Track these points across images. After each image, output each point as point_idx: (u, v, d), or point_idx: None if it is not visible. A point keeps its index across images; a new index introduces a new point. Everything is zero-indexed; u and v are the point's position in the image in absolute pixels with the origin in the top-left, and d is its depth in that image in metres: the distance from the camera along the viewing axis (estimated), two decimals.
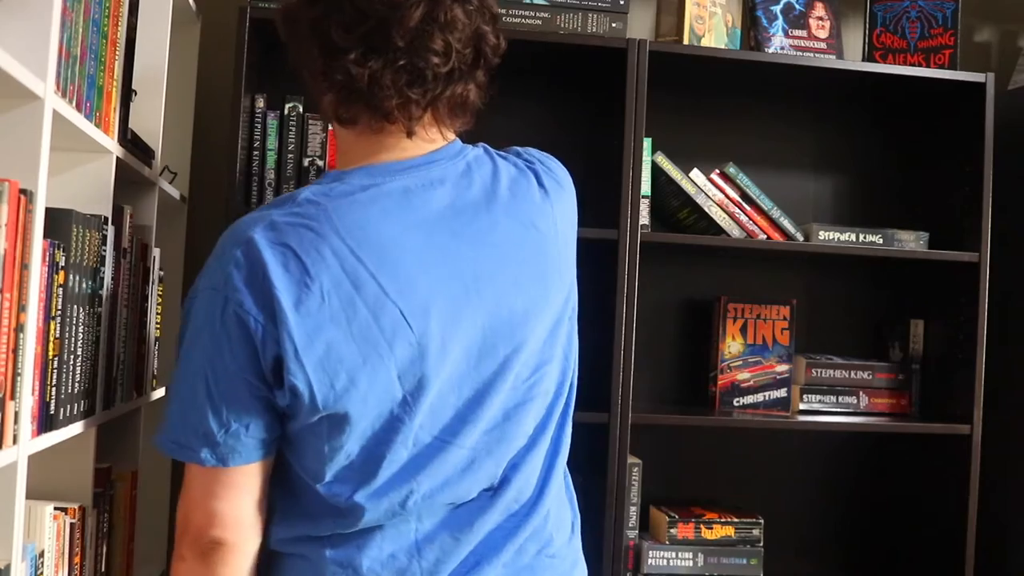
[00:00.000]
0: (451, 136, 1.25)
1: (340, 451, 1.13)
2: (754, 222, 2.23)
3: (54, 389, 1.38)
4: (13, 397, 1.22)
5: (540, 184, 1.23)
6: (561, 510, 1.28)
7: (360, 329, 1.09)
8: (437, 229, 1.15)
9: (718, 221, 2.21)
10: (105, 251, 1.58)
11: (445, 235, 1.15)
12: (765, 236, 2.23)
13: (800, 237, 2.25)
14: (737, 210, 2.22)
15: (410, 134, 1.18)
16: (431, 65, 1.14)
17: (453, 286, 1.14)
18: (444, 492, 1.16)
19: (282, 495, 1.19)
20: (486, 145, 1.27)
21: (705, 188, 2.23)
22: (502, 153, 1.27)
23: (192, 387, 1.13)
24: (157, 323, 2.04)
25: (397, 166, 1.18)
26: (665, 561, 2.23)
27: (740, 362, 2.34)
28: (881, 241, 2.25)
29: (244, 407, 1.11)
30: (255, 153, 2.09)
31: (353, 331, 1.09)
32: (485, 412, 1.16)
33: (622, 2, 2.20)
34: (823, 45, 2.34)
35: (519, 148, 1.29)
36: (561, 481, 1.29)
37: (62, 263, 1.38)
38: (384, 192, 1.15)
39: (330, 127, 1.20)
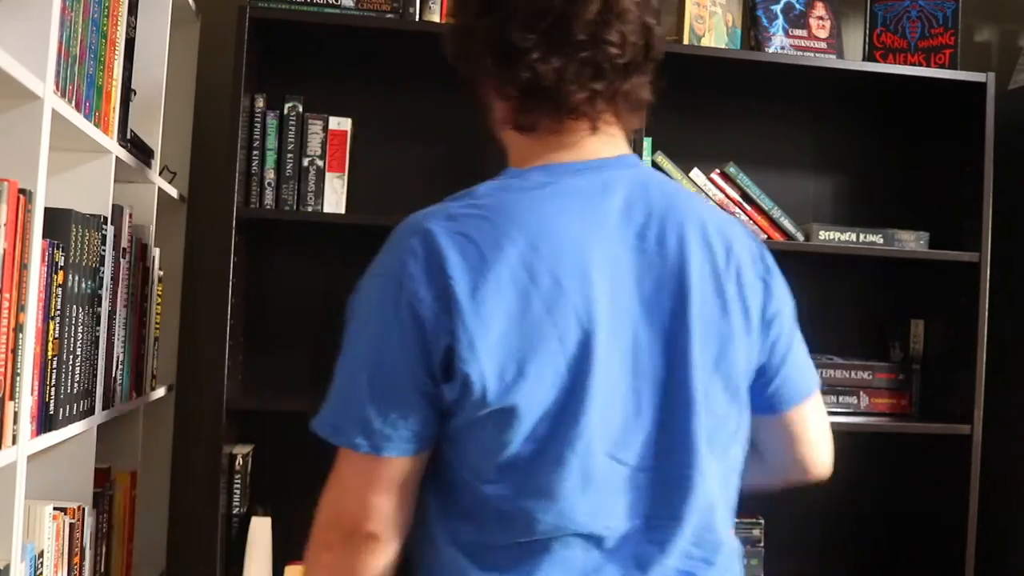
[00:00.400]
0: (625, 137, 1.24)
1: (507, 447, 1.08)
2: (754, 222, 2.23)
3: (53, 389, 1.38)
4: (12, 397, 1.22)
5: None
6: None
7: (533, 322, 1.07)
8: (610, 233, 1.13)
9: None
10: (104, 251, 1.57)
11: (616, 242, 1.13)
12: (765, 236, 2.23)
13: (800, 237, 2.25)
14: (737, 210, 2.22)
15: (594, 129, 1.18)
16: (610, 57, 1.14)
17: (619, 291, 1.11)
18: (610, 513, 1.11)
19: (440, 495, 1.14)
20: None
21: (705, 188, 2.23)
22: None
23: (355, 373, 1.12)
24: (157, 323, 2.04)
25: (574, 166, 1.17)
26: None
27: None
28: (881, 241, 2.25)
29: (405, 398, 1.09)
30: (255, 153, 2.09)
31: (525, 324, 1.07)
32: (648, 430, 1.12)
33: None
34: (823, 45, 2.34)
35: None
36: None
37: (61, 263, 1.38)
38: (561, 190, 1.14)
39: (501, 134, 1.19)
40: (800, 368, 1.28)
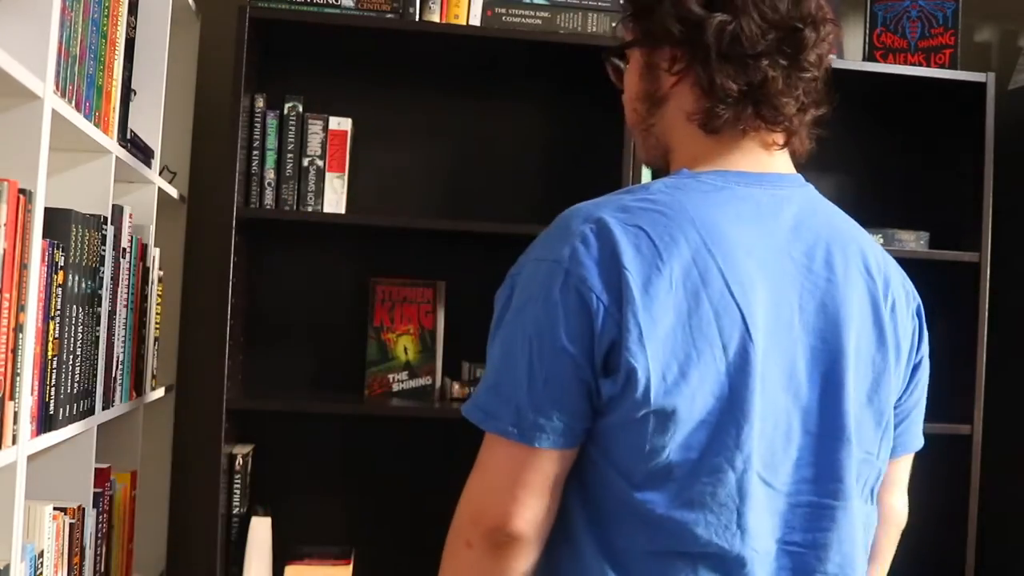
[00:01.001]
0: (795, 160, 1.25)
1: (662, 452, 1.04)
2: None
3: (53, 389, 1.38)
4: (12, 397, 1.22)
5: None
6: None
7: (700, 324, 1.05)
8: (780, 248, 1.12)
9: None
10: (104, 251, 1.57)
11: (785, 258, 1.12)
12: None
13: None
14: None
15: (784, 144, 1.19)
16: (815, 78, 1.16)
17: (782, 308, 1.10)
18: (759, 535, 1.08)
19: (584, 499, 1.10)
20: None
21: None
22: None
23: (513, 356, 1.06)
24: (157, 323, 2.04)
25: (751, 176, 1.16)
26: None
27: None
28: (881, 241, 2.25)
29: (563, 387, 1.05)
30: (255, 153, 2.09)
31: (693, 324, 1.05)
32: (797, 455, 1.10)
33: (622, 2, 2.19)
34: None
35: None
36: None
37: (61, 263, 1.38)
38: (738, 196, 1.13)
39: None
40: (921, 417, 1.28)
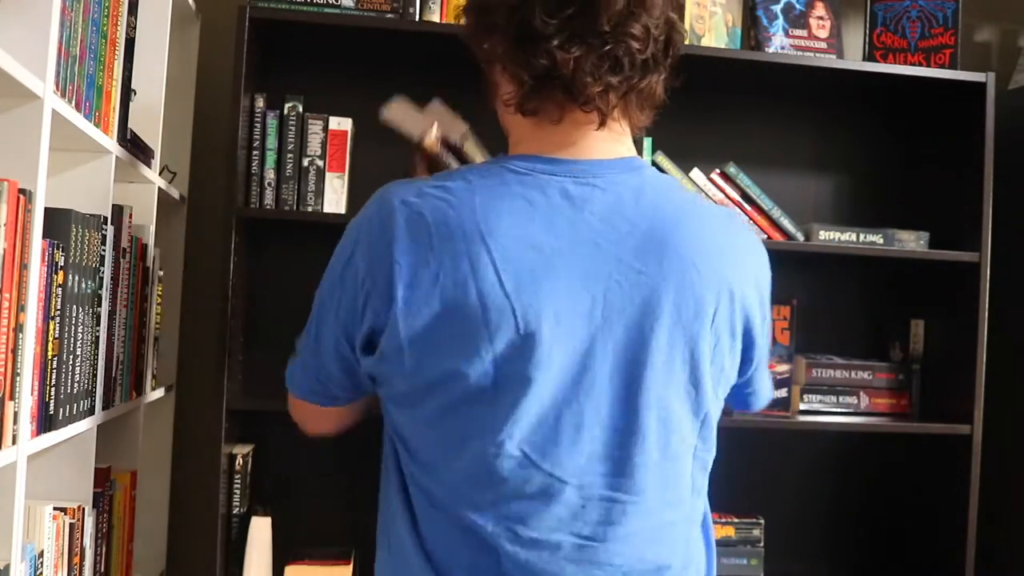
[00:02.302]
0: (629, 143, 1.21)
1: (428, 431, 1.13)
2: (754, 222, 2.23)
3: (53, 389, 1.38)
4: (12, 397, 1.22)
5: (725, 235, 1.18)
6: None
7: (466, 315, 1.07)
8: (584, 238, 1.10)
9: None
10: (104, 251, 1.57)
11: (589, 248, 1.10)
12: (765, 236, 2.23)
13: (800, 237, 2.25)
14: (737, 210, 2.22)
15: (602, 124, 1.15)
16: (631, 51, 1.12)
17: (579, 300, 1.09)
18: (548, 529, 1.12)
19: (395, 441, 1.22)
20: (671, 175, 1.25)
21: (705, 188, 2.23)
22: (690, 191, 1.23)
23: (309, 325, 1.22)
24: (157, 323, 2.04)
25: (563, 164, 1.14)
26: None
27: None
28: (881, 241, 2.25)
29: (331, 359, 1.19)
30: (255, 153, 2.09)
31: (457, 316, 1.07)
32: (589, 447, 1.11)
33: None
34: (823, 45, 2.34)
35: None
36: None
37: (61, 263, 1.38)
38: (539, 184, 1.12)
39: (504, 119, 1.23)
40: (761, 384, 1.31)
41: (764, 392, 1.32)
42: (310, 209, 2.11)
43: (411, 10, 2.11)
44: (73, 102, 1.44)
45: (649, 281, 1.10)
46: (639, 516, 1.12)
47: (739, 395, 1.29)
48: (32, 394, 1.30)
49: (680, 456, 1.15)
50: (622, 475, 1.11)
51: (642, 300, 1.10)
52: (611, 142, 1.18)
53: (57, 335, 1.38)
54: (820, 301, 2.49)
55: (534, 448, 1.09)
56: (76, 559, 1.54)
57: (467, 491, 1.11)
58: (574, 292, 1.09)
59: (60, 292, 1.38)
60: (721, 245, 1.16)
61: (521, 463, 1.09)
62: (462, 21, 1.23)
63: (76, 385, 1.48)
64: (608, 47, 1.11)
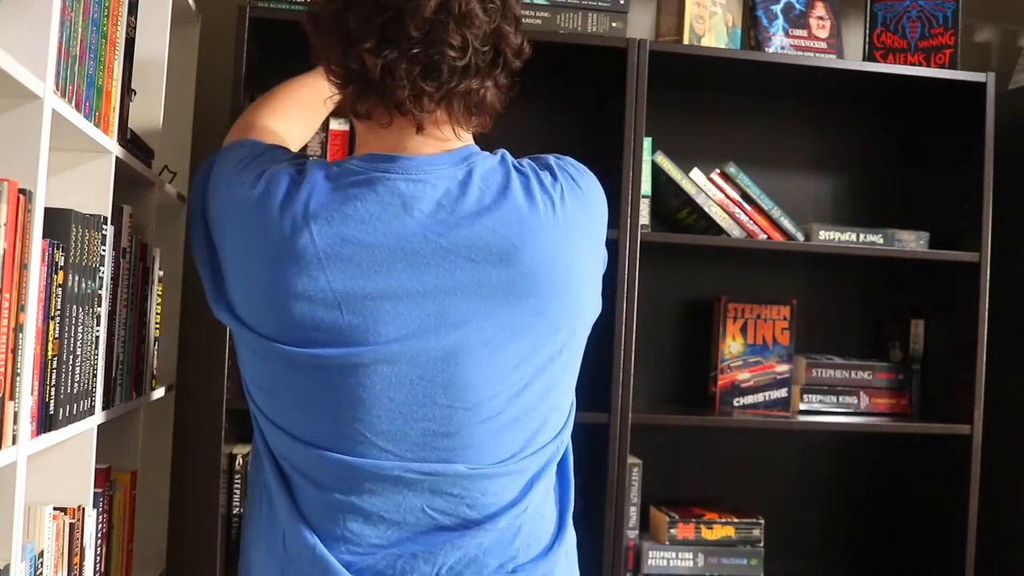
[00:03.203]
0: (466, 138, 1.25)
1: (276, 418, 1.24)
2: (754, 222, 2.23)
3: (53, 389, 1.38)
4: (12, 397, 1.22)
5: (552, 203, 1.21)
6: None
7: (292, 310, 1.16)
8: (411, 231, 1.16)
9: (718, 221, 2.21)
10: (104, 251, 1.57)
11: (417, 239, 1.16)
12: (765, 236, 2.23)
13: (800, 237, 2.25)
14: (737, 210, 2.22)
15: (419, 128, 1.19)
16: (447, 58, 1.15)
17: (412, 291, 1.16)
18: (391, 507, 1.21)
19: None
20: (506, 152, 1.25)
21: (705, 188, 2.23)
22: (523, 163, 1.24)
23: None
24: (157, 323, 2.04)
25: (397, 162, 1.19)
26: (665, 561, 2.22)
27: (740, 362, 2.34)
28: (881, 241, 2.25)
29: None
30: None
31: (287, 310, 1.16)
32: (425, 425, 1.18)
33: (622, 2, 2.19)
34: (823, 45, 2.34)
35: (552, 158, 1.28)
36: None
37: (61, 263, 1.38)
38: (372, 183, 1.18)
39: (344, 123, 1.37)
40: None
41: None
42: None
43: None
44: (73, 102, 1.43)
45: (480, 267, 1.16)
46: (481, 491, 1.20)
47: None
48: (32, 394, 1.30)
49: (527, 424, 1.21)
50: (461, 449, 1.19)
51: (474, 285, 1.16)
52: (437, 145, 1.23)
53: (57, 335, 1.38)
54: (820, 301, 2.49)
55: (370, 428, 1.17)
56: (76, 559, 1.54)
57: (310, 439, 1.20)
58: (403, 284, 1.16)
59: (60, 292, 1.38)
60: (549, 218, 1.20)
61: (359, 439, 1.17)
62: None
63: (76, 385, 1.47)
64: (417, 52, 1.14)
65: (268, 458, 1.24)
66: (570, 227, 1.22)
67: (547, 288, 1.19)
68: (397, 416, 1.16)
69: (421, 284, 1.15)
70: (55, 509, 1.45)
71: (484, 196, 1.19)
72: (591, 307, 1.27)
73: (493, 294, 1.17)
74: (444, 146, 1.22)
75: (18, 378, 1.23)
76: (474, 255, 1.16)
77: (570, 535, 1.30)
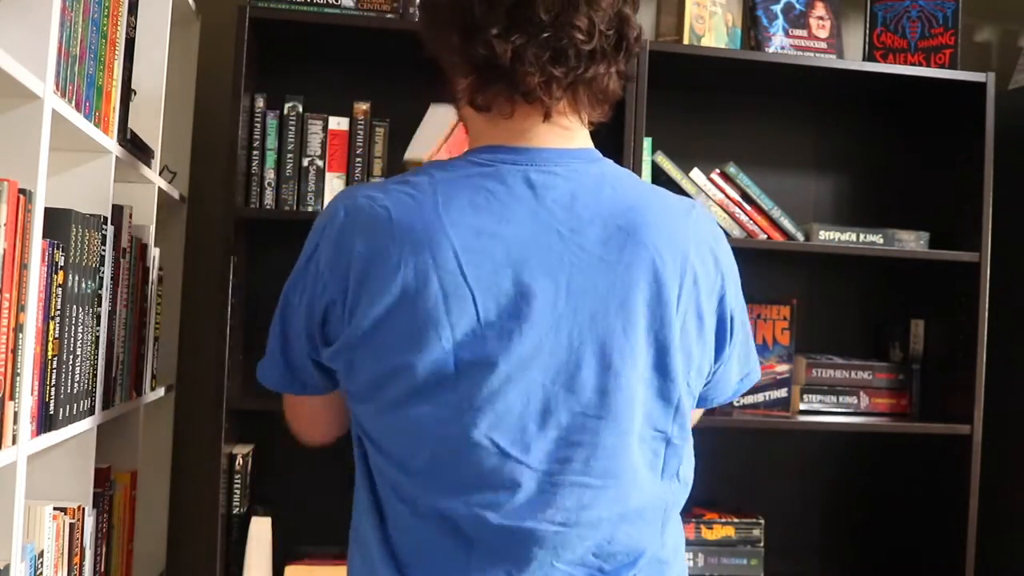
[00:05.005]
0: (586, 132, 1.21)
1: (396, 420, 1.14)
2: (754, 222, 2.23)
3: (53, 389, 1.38)
4: (12, 397, 1.22)
5: (682, 212, 1.17)
6: None
7: (426, 305, 1.08)
8: (547, 227, 1.11)
9: (718, 221, 2.21)
10: (104, 251, 1.57)
11: (552, 236, 1.10)
12: (765, 236, 2.23)
13: (800, 237, 2.25)
14: (737, 210, 2.22)
15: (547, 116, 1.14)
16: (575, 42, 1.11)
17: (542, 287, 1.09)
18: (519, 514, 1.12)
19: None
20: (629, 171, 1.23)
21: (705, 188, 2.23)
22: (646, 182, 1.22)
23: (276, 316, 1.25)
24: (157, 323, 2.04)
25: (524, 153, 1.15)
26: None
27: None
28: (881, 241, 2.25)
29: (296, 351, 1.21)
30: (255, 153, 2.09)
31: (419, 305, 1.08)
32: (557, 433, 1.11)
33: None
34: (823, 45, 2.34)
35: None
36: None
37: (61, 263, 1.38)
38: (501, 174, 1.13)
39: (458, 120, 1.25)
40: (731, 375, 1.29)
41: (725, 387, 1.29)
42: (310, 209, 2.11)
43: (411, 10, 2.11)
44: (73, 102, 1.44)
45: (612, 268, 1.11)
46: (609, 501, 1.12)
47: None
48: (32, 394, 1.30)
49: (651, 442, 1.15)
50: (591, 460, 1.11)
51: (606, 287, 1.11)
52: (563, 135, 1.18)
53: (57, 335, 1.38)
54: (820, 301, 2.49)
55: (501, 435, 1.09)
56: (76, 559, 1.54)
57: (434, 481, 1.11)
58: (536, 280, 1.09)
59: (60, 292, 1.38)
60: (684, 233, 1.16)
61: (488, 451, 1.09)
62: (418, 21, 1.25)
63: (76, 385, 1.48)
64: (547, 36, 1.10)
65: (379, 502, 1.18)
66: (697, 240, 1.17)
67: (674, 297, 1.14)
68: (530, 422, 1.10)
69: (554, 281, 1.10)
70: (55, 509, 1.45)
71: (617, 196, 1.15)
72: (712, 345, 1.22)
73: (626, 298, 1.11)
74: (569, 136, 1.18)
75: (18, 378, 1.23)
76: (607, 256, 1.11)
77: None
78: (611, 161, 1.21)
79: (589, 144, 1.21)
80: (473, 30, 1.11)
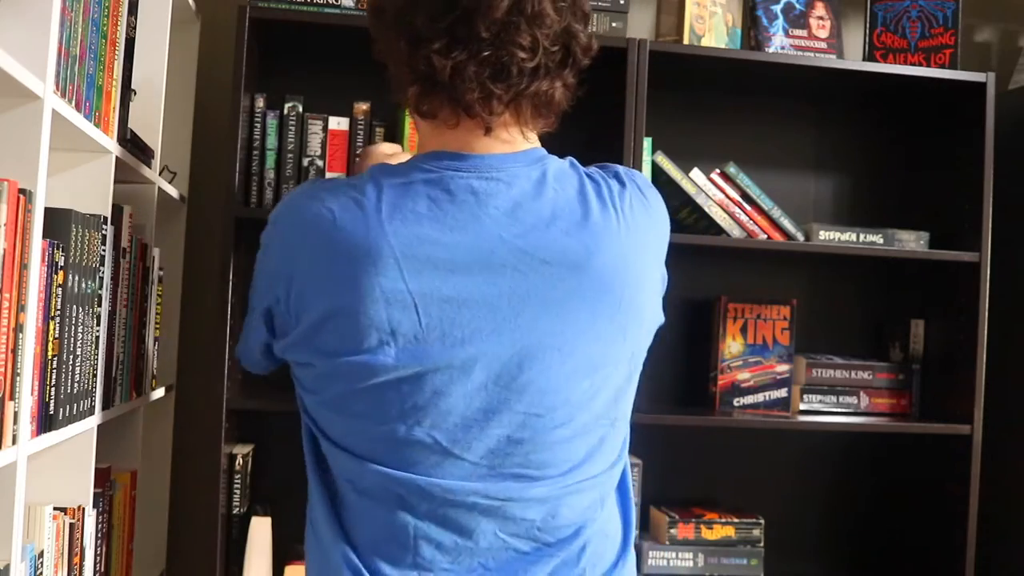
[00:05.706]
0: (532, 139, 1.22)
1: (339, 415, 1.20)
2: (754, 222, 2.23)
3: (53, 389, 1.38)
4: (12, 397, 1.22)
5: (622, 211, 1.18)
6: None
7: (367, 310, 1.10)
8: (488, 231, 1.12)
9: (718, 221, 2.21)
10: (104, 251, 1.57)
11: (494, 240, 1.12)
12: (765, 236, 2.23)
13: (800, 237, 2.25)
14: (737, 210, 2.22)
15: (488, 130, 1.16)
16: (516, 60, 1.11)
17: (484, 292, 1.11)
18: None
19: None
20: (573, 159, 1.23)
21: (705, 188, 2.22)
22: (591, 170, 1.22)
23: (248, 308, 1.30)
24: (157, 323, 2.04)
25: (468, 160, 1.16)
26: (665, 561, 2.22)
27: (740, 362, 2.34)
28: (881, 241, 2.25)
29: (257, 341, 1.27)
30: (255, 153, 2.09)
31: (360, 310, 1.10)
32: (498, 431, 1.14)
33: (622, 2, 2.19)
34: (823, 45, 2.34)
35: (620, 168, 1.25)
36: None
37: (61, 263, 1.38)
38: (444, 181, 1.14)
39: (412, 121, 1.26)
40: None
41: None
42: None
43: None
44: (73, 102, 1.44)
45: (554, 270, 1.13)
46: (551, 485, 1.16)
47: None
48: (32, 394, 1.30)
49: (596, 430, 1.18)
50: (531, 455, 1.14)
51: (546, 289, 1.13)
52: (506, 144, 1.19)
53: (57, 335, 1.38)
54: (820, 301, 2.50)
55: (444, 434, 1.12)
56: (76, 559, 1.54)
57: (380, 465, 1.15)
58: (478, 285, 1.12)
59: (60, 292, 1.38)
60: (619, 226, 1.18)
61: (431, 448, 1.13)
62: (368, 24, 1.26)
63: (76, 385, 1.47)
64: (487, 54, 1.11)
65: (330, 487, 1.21)
66: (636, 237, 1.19)
67: (616, 295, 1.16)
68: (472, 423, 1.12)
69: (496, 286, 1.11)
70: (55, 509, 1.45)
71: (559, 199, 1.16)
72: (653, 318, 1.24)
73: (565, 298, 1.13)
74: (512, 147, 1.19)
75: (18, 378, 1.23)
76: (549, 258, 1.13)
77: (632, 554, 1.26)
78: (555, 158, 1.22)
79: (535, 144, 1.22)
80: (415, 42, 1.13)
